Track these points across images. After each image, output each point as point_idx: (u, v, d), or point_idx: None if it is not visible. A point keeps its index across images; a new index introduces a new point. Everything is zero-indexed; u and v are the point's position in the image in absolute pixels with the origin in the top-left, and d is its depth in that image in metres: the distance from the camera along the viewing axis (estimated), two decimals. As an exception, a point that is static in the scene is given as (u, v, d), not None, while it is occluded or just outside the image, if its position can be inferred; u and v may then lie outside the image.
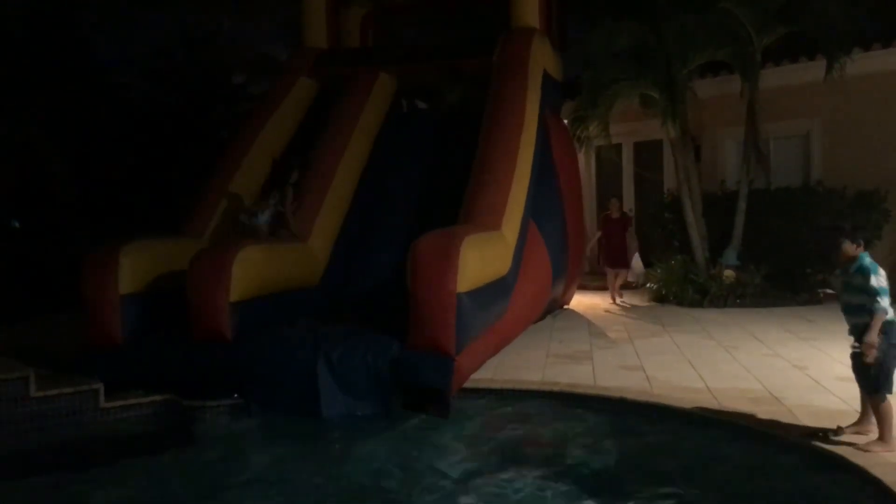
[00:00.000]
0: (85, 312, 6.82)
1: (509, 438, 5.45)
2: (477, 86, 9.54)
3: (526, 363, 7.08)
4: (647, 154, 13.91)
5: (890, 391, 4.36)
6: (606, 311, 10.41)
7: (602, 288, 12.49)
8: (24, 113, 14.57)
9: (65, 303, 9.59)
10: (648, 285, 11.14)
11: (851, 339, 4.61)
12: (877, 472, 4.05)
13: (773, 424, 4.98)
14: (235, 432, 5.91)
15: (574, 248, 9.94)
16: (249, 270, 6.72)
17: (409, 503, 4.40)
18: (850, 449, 4.41)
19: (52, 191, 15.00)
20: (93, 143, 15.12)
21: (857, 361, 4.54)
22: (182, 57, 16.87)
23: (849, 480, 4.18)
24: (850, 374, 6.20)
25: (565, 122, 11.33)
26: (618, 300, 11.01)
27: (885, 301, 4.35)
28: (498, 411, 5.98)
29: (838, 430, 4.67)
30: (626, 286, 11.50)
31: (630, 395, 5.84)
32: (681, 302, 10.46)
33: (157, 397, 6.22)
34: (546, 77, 9.43)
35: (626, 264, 11.09)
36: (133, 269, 6.86)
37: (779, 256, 10.62)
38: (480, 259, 6.40)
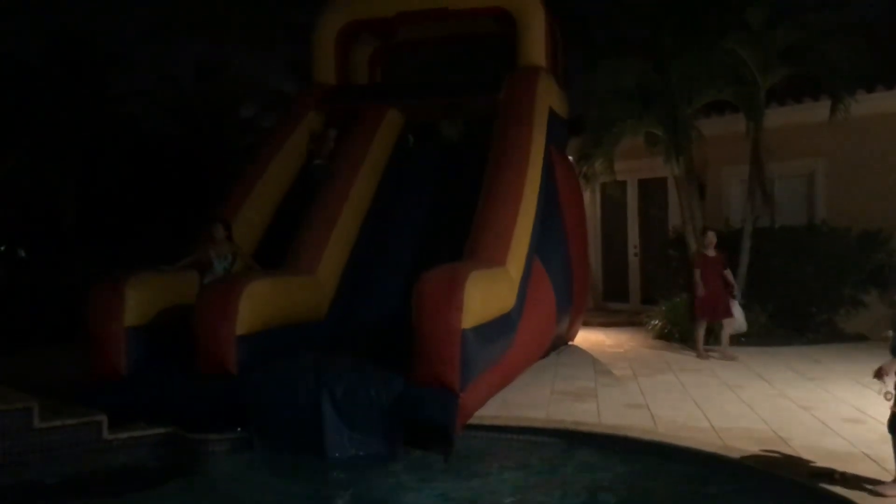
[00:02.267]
0: (89, 344, 6.84)
1: (512, 476, 5.41)
2: (483, 122, 9.64)
3: (530, 400, 7.05)
4: (652, 191, 13.98)
5: None
6: (610, 348, 10.37)
7: (607, 324, 12.50)
8: (34, 142, 14.73)
9: (68, 332, 9.62)
10: (654, 323, 11.11)
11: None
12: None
13: (779, 465, 4.94)
14: (239, 467, 5.87)
15: (579, 284, 9.95)
16: (257, 304, 6.74)
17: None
18: (858, 493, 4.37)
19: (57, 221, 15.11)
20: (100, 174, 15.26)
21: None
22: (191, 88, 17.08)
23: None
24: (858, 415, 6.24)
25: (571, 158, 11.40)
26: (720, 354, 9.32)
27: None
28: (502, 448, 5.94)
29: (844, 474, 4.64)
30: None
31: (634, 434, 5.81)
32: (686, 340, 10.42)
33: (161, 430, 6.20)
34: (552, 115, 9.52)
35: (728, 312, 9.35)
36: (139, 301, 6.89)
37: (784, 295, 10.61)
38: (485, 295, 6.41)
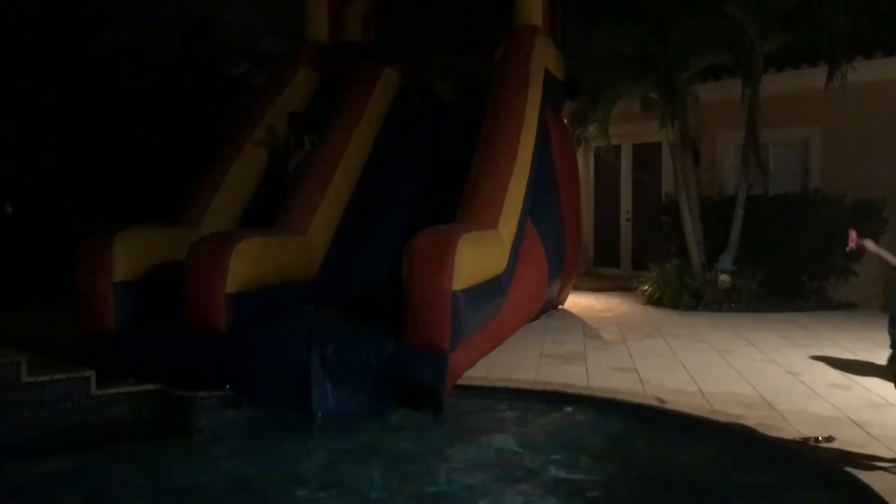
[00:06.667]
0: (78, 300, 6.80)
1: (500, 436, 5.44)
2: (479, 83, 9.53)
3: (519, 362, 7.07)
4: (646, 156, 13.92)
5: None
6: (600, 312, 10.40)
7: (598, 289, 12.52)
8: (23, 101, 14.53)
9: (58, 290, 9.58)
10: (644, 288, 11.14)
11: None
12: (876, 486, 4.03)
13: (765, 429, 4.97)
14: (227, 424, 5.88)
15: (571, 248, 9.93)
16: (247, 262, 6.70)
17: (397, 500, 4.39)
18: (839, 456, 4.41)
19: (47, 178, 14.97)
20: (89, 132, 15.08)
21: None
22: (179, 46, 16.82)
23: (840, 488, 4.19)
24: (844, 381, 6.28)
25: (566, 121, 11.32)
26: None
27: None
28: (490, 409, 5.96)
29: (829, 439, 4.68)
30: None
31: (622, 397, 5.84)
32: (675, 305, 10.46)
33: (149, 386, 6.20)
34: (548, 76, 9.42)
35: None
36: (127, 256, 6.84)
37: (775, 263, 10.64)
38: (476, 257, 6.39)
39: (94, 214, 12.42)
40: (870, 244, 4.61)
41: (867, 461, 4.30)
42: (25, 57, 14.48)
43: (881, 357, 6.67)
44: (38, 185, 14.56)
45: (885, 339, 4.32)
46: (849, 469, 4.20)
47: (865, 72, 10.54)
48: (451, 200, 7.64)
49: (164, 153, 14.97)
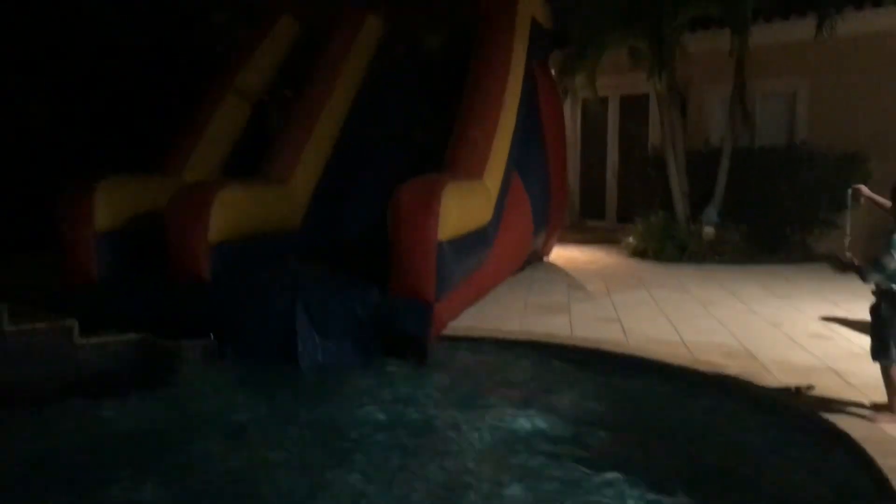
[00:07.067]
0: (60, 249, 6.74)
1: (483, 385, 5.48)
2: (466, 31, 9.37)
3: (504, 313, 7.09)
4: (633, 108, 13.83)
5: (892, 360, 4.19)
6: (585, 264, 10.43)
7: (583, 241, 12.55)
8: (2, 52, 14.20)
9: (40, 239, 9.47)
10: (629, 240, 11.17)
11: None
12: (854, 433, 4.10)
13: (746, 377, 5.03)
14: (211, 373, 5.88)
15: (556, 200, 9.92)
16: (229, 212, 6.65)
17: (384, 448, 4.42)
18: (816, 402, 4.47)
19: (26, 127, 14.71)
20: (66, 81, 14.79)
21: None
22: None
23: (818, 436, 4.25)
24: (825, 331, 6.36)
25: (553, 71, 11.20)
26: None
27: (874, 274, 4.20)
28: (474, 358, 6.00)
29: (809, 387, 4.74)
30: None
31: (606, 347, 5.88)
32: (660, 258, 10.51)
33: (133, 336, 6.17)
34: (535, 25, 9.28)
35: None
36: (109, 205, 6.77)
37: (759, 215, 10.68)
38: (461, 208, 6.36)
39: (73, 164, 12.24)
40: (864, 188, 4.70)
41: (846, 409, 4.36)
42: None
43: (862, 308, 6.72)
44: (17, 134, 14.32)
45: (866, 289, 4.35)
46: (828, 416, 4.26)
47: (854, 23, 10.47)
48: (438, 150, 7.58)
49: (143, 102, 14.72)
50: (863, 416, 4.23)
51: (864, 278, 4.22)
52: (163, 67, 15.53)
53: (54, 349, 5.92)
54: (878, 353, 4.24)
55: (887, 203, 4.38)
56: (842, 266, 4.44)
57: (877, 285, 4.24)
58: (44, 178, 11.79)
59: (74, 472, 4.19)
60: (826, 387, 4.77)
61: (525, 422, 4.69)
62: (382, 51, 9.86)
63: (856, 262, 4.35)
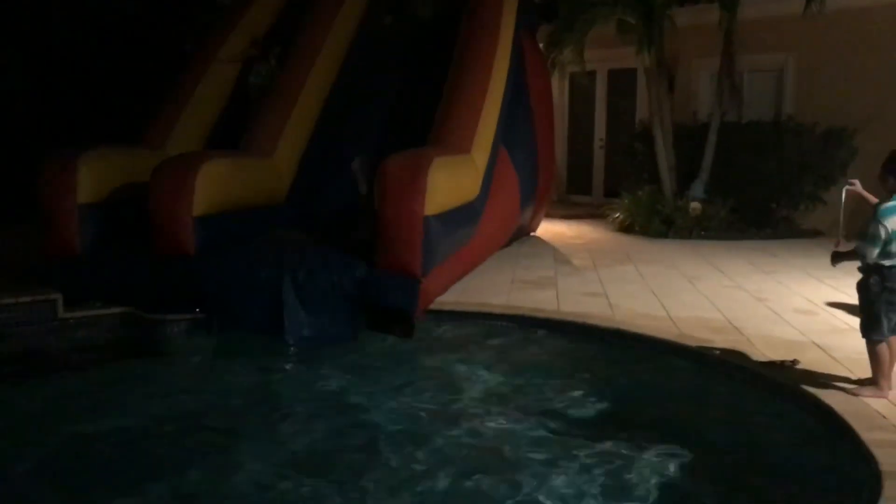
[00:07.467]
0: (42, 221, 6.65)
1: (470, 359, 5.48)
2: (454, 1, 9.25)
3: (491, 287, 7.09)
4: (621, 82, 13.78)
5: (881, 336, 4.19)
6: (572, 239, 10.43)
7: (570, 216, 12.53)
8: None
9: (20, 211, 9.35)
10: (616, 216, 11.18)
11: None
12: (829, 400, 4.13)
13: (732, 353, 5.06)
14: (196, 347, 5.85)
15: (544, 175, 9.87)
16: (213, 184, 6.57)
17: (373, 423, 4.42)
18: (796, 375, 4.51)
19: (9, 98, 14.48)
20: (48, 50, 14.55)
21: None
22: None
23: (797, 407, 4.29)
24: (809, 306, 6.39)
25: (541, 45, 11.11)
26: None
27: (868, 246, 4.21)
28: (461, 333, 6.00)
29: (794, 362, 4.77)
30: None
31: (592, 321, 5.89)
32: (646, 232, 10.52)
33: (117, 309, 6.12)
34: (523, -3, 9.17)
35: None
36: (91, 177, 6.66)
37: (746, 190, 10.70)
38: (449, 183, 6.32)
39: (54, 135, 12.07)
40: (858, 185, 4.67)
41: (830, 383, 4.39)
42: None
43: (847, 284, 6.77)
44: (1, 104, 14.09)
45: (851, 266, 4.36)
46: (812, 390, 4.30)
47: (843, -2, 10.44)
48: (425, 121, 7.51)
49: (125, 73, 14.51)
50: (847, 391, 4.26)
51: (863, 255, 4.21)
52: (146, 34, 15.28)
53: (38, 323, 5.86)
54: (868, 329, 4.25)
55: (874, 199, 4.37)
56: (839, 257, 4.43)
57: (862, 260, 4.25)
58: (23, 150, 11.64)
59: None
60: (811, 361, 4.81)
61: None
62: (369, 20, 9.72)
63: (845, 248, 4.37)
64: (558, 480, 3.61)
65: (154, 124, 8.13)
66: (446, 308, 6.33)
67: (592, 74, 13.43)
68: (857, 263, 4.30)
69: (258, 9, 9.43)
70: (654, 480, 3.60)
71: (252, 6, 9.38)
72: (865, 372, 4.36)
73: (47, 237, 6.65)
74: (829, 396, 4.19)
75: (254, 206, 7.34)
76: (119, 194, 6.87)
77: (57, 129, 12.79)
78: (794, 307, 6.37)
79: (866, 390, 4.24)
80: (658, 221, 10.51)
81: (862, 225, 4.21)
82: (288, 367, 5.66)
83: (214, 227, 6.53)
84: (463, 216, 6.78)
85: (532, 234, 10.52)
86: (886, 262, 4.13)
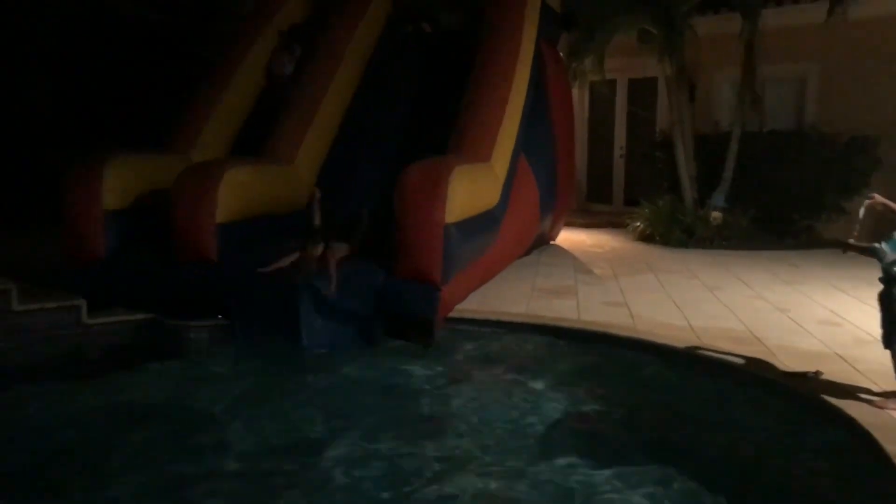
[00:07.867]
0: (67, 227, 6.72)
1: (491, 368, 5.48)
2: (475, 12, 9.28)
3: (511, 296, 7.09)
4: (642, 91, 13.76)
5: None
6: (592, 248, 10.41)
7: (590, 225, 12.52)
8: (7, 25, 14.14)
9: (44, 216, 9.47)
10: (636, 225, 11.15)
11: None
12: (852, 412, 4.10)
13: (753, 364, 5.03)
14: (218, 354, 5.89)
15: (564, 184, 9.87)
16: (236, 191, 6.62)
17: (393, 428, 4.43)
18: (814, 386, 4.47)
19: (33, 103, 14.68)
20: (72, 57, 14.74)
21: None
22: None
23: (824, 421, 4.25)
24: (832, 317, 6.34)
25: (561, 54, 11.12)
26: None
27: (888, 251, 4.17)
28: (481, 341, 6.00)
29: (817, 373, 4.73)
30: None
31: (613, 331, 5.88)
32: (667, 242, 10.49)
33: (141, 315, 6.18)
34: (544, 7, 9.18)
35: None
36: (117, 183, 6.72)
37: (767, 200, 10.64)
38: (469, 191, 6.33)
39: (79, 139, 12.21)
40: (878, 197, 4.66)
41: (854, 396, 4.36)
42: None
43: (870, 295, 6.71)
44: (20, 107, 14.28)
45: (874, 276, 4.33)
46: (836, 403, 4.26)
47: (866, 7, 10.37)
48: (445, 130, 7.52)
49: (150, 78, 14.66)
50: (871, 403, 4.23)
51: (880, 257, 4.18)
52: (169, 43, 15.45)
53: (63, 329, 5.92)
54: (890, 339, 4.22)
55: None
56: (851, 247, 4.42)
57: (885, 271, 4.22)
58: (48, 154, 11.78)
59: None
60: (834, 373, 4.77)
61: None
62: (391, 30, 9.77)
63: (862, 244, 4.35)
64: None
65: (180, 130, 8.20)
66: (466, 316, 6.32)
67: (613, 83, 13.42)
68: (879, 273, 4.27)
69: (284, 17, 9.47)
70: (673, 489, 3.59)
71: (278, 14, 9.42)
72: (890, 384, 4.32)
73: (72, 243, 6.72)
74: (852, 408, 4.16)
75: (275, 213, 7.38)
76: (143, 200, 6.94)
77: (80, 135, 12.94)
78: (816, 318, 6.32)
79: (891, 402, 4.20)
80: (678, 231, 10.47)
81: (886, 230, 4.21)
82: (305, 373, 5.68)
83: (237, 234, 6.58)
84: (483, 224, 6.78)
85: (552, 242, 10.51)
86: None
